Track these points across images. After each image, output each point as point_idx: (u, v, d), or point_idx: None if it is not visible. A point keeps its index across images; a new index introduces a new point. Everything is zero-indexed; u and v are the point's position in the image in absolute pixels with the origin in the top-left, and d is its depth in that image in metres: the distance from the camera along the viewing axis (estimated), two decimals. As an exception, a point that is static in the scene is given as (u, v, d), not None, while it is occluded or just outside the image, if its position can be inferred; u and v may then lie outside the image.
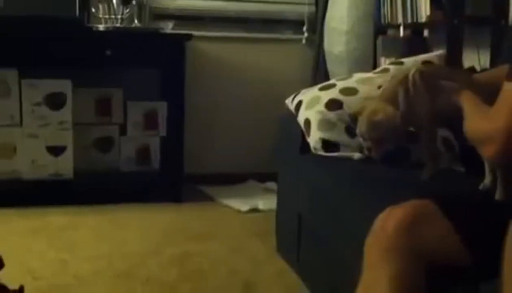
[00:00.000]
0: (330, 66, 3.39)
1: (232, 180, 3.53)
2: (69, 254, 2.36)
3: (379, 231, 1.24)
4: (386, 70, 2.15)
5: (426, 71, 1.49)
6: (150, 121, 3.28)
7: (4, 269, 1.76)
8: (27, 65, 2.97)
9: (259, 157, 3.58)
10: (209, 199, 3.28)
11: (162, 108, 3.25)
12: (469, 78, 1.50)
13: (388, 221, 1.22)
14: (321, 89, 2.14)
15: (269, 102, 3.51)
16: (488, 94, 1.27)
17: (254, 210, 3.09)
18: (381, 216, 1.26)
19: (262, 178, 3.52)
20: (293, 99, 2.21)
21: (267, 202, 3.11)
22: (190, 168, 3.32)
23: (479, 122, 1.23)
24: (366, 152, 1.69)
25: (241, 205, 3.13)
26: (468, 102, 1.31)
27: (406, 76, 1.49)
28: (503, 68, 1.26)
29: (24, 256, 2.31)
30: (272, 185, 3.33)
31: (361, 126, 1.58)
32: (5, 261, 1.77)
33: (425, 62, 2.08)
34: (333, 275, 1.87)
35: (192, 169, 3.38)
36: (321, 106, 2.05)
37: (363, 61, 3.17)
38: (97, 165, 3.23)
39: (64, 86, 3.03)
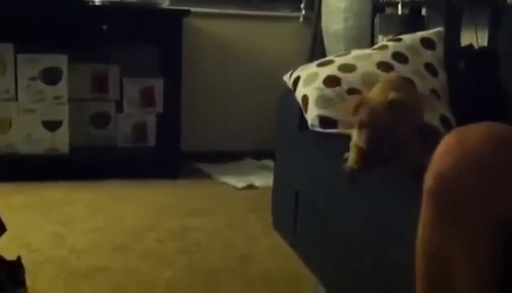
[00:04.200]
0: (328, 44, 3.38)
1: (229, 157, 3.54)
2: (65, 228, 2.36)
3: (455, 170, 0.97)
4: (384, 47, 2.15)
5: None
6: (146, 98, 3.28)
7: (1, 242, 1.77)
8: (23, 39, 2.95)
9: (255, 135, 3.59)
10: (205, 176, 3.29)
11: (158, 85, 3.25)
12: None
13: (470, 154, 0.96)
14: (319, 65, 2.13)
15: (266, 80, 3.52)
16: None
17: (250, 187, 3.10)
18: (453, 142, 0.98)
19: (259, 155, 3.53)
20: (291, 75, 2.20)
21: (263, 179, 3.13)
22: (186, 145, 3.32)
23: None
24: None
25: (237, 181, 3.14)
26: None
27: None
28: None
29: (21, 229, 2.31)
30: (268, 162, 3.34)
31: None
32: (3, 234, 1.78)
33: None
34: (328, 247, 1.89)
35: (189, 147, 3.38)
36: (319, 83, 2.05)
37: (360, 39, 3.16)
38: (93, 140, 3.23)
39: (60, 61, 3.01)
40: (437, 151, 1.00)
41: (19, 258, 1.74)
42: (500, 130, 0.99)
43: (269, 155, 2.78)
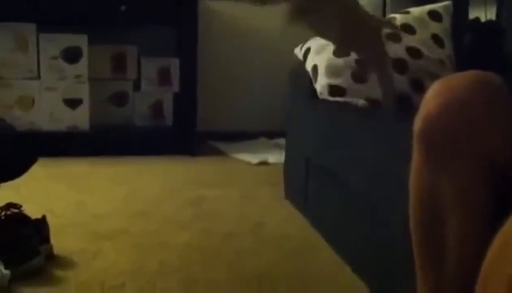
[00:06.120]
0: (340, 25, 3.44)
1: (243, 137, 3.62)
2: (87, 196, 2.47)
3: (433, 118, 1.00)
4: (393, 19, 2.22)
5: None
6: (163, 77, 3.38)
7: (26, 208, 1.88)
8: (45, 19, 3.06)
9: (269, 115, 3.67)
10: (220, 153, 3.38)
11: (174, 64, 3.34)
12: None
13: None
14: (329, 37, 2.20)
15: (280, 61, 3.58)
16: None
17: (264, 163, 3.19)
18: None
19: (273, 135, 3.61)
20: (301, 47, 2.28)
21: (276, 156, 3.21)
22: (202, 125, 3.41)
23: None
24: None
25: (252, 158, 3.23)
26: None
27: None
28: None
29: (45, 198, 2.43)
30: (281, 141, 3.41)
31: None
32: (27, 202, 1.89)
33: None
34: (338, 211, 1.97)
35: (204, 126, 3.48)
36: (329, 53, 2.12)
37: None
38: (112, 118, 3.33)
39: (80, 40, 3.12)
40: (425, 96, 1.05)
41: (44, 217, 1.85)
42: (487, 76, 1.05)
43: (283, 134, 2.86)
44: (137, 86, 3.37)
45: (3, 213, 1.78)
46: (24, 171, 1.34)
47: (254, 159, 3.21)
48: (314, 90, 2.16)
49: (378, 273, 1.66)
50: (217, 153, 3.38)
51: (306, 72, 2.23)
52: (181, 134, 3.31)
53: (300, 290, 1.75)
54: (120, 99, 3.36)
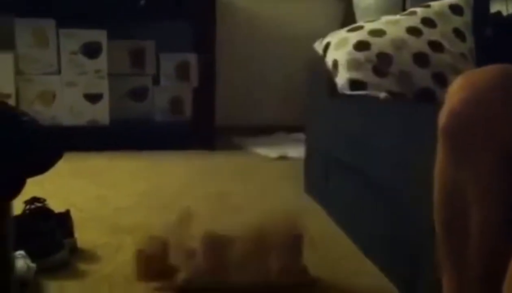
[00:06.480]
0: (359, 19, 3.43)
1: (261, 131, 3.63)
2: (108, 191, 2.49)
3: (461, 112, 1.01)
4: (413, 12, 2.21)
5: None
6: (182, 72, 3.39)
7: (49, 202, 1.90)
8: (64, 15, 3.09)
9: (288, 110, 3.67)
10: (239, 147, 3.39)
11: (193, 60, 3.35)
12: None
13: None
14: (349, 31, 2.20)
15: (298, 56, 3.58)
16: None
17: (283, 157, 3.19)
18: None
19: (291, 130, 3.61)
20: (321, 41, 2.28)
21: (295, 150, 3.21)
22: (220, 119, 3.42)
23: None
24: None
25: (271, 152, 3.23)
26: None
27: None
28: None
29: (67, 192, 2.45)
30: (300, 135, 3.41)
31: None
32: (49, 197, 1.91)
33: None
34: (359, 203, 1.97)
35: (223, 121, 3.49)
36: (349, 47, 2.12)
37: (391, 13, 3.20)
38: (132, 113, 3.35)
39: (100, 35, 3.14)
40: (449, 90, 1.06)
41: (68, 211, 1.87)
42: (509, 70, 1.05)
43: (301, 129, 2.86)
44: (156, 81, 3.39)
45: (27, 207, 1.80)
46: (52, 166, 1.35)
47: (273, 153, 3.22)
48: (334, 85, 2.16)
49: (400, 266, 1.66)
50: (236, 147, 3.40)
51: (325, 66, 2.22)
52: (200, 129, 3.32)
53: (320, 282, 1.75)
54: (139, 94, 3.38)
